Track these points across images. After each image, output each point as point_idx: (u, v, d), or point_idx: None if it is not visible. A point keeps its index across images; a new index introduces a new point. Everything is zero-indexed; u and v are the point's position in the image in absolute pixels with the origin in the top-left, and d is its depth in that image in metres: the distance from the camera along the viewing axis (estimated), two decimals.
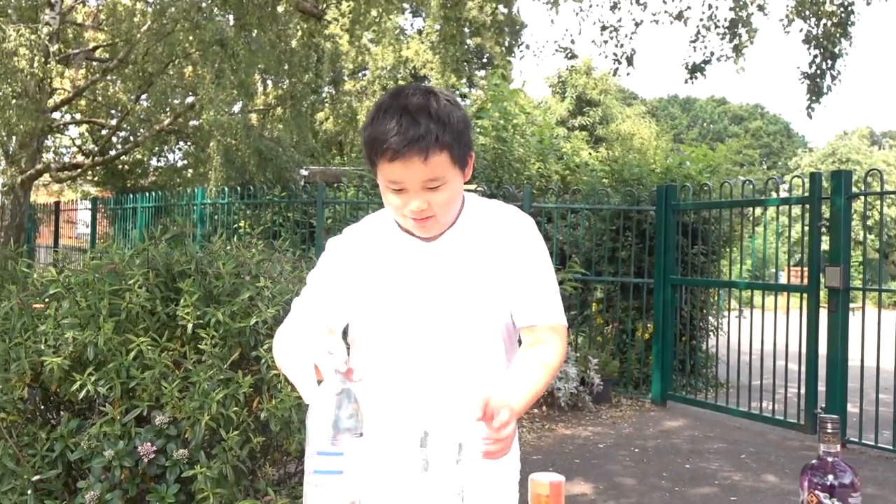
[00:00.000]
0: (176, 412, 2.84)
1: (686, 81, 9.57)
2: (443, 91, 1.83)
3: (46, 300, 3.19)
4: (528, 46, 26.28)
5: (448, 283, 1.85)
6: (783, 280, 10.62)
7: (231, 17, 10.98)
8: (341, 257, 1.94)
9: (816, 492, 1.59)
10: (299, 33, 12.44)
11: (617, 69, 10.15)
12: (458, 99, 1.89)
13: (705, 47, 9.44)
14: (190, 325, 2.99)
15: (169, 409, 2.84)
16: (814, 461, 1.64)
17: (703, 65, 9.44)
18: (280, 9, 11.42)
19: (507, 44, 24.41)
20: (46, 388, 3.08)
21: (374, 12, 11.33)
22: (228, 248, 3.68)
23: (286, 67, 12.90)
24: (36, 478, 2.86)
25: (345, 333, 2.00)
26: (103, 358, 2.92)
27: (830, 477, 1.60)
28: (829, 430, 1.63)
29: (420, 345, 1.87)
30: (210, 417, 2.79)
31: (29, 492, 2.83)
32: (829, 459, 1.61)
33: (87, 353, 2.87)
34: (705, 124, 65.58)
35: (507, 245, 1.87)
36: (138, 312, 3.04)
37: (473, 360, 1.88)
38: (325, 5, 11.92)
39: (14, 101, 9.57)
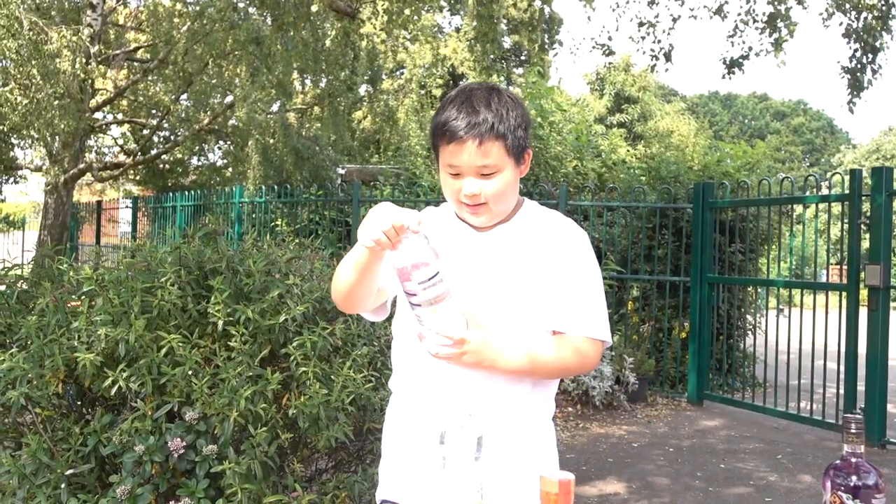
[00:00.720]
0: (206, 408, 2.87)
1: (724, 77, 9.47)
2: (507, 90, 1.96)
3: (81, 297, 3.24)
4: (561, 43, 26.16)
5: (492, 274, 1.89)
6: (831, 278, 10.46)
7: (268, 16, 11.06)
8: None
9: (839, 492, 1.58)
10: (333, 32, 12.50)
11: (655, 65, 10.07)
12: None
13: (743, 42, 9.33)
14: (220, 323, 3.03)
15: (199, 406, 2.87)
16: (837, 461, 1.62)
17: (741, 60, 9.32)
18: (314, 8, 11.49)
19: (540, 41, 24.29)
20: (81, 383, 3.13)
21: (407, 10, 11.34)
22: (261, 245, 3.71)
23: (323, 66, 12.97)
24: (69, 472, 2.91)
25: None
26: (135, 354, 2.97)
27: (854, 478, 1.58)
28: (853, 430, 1.61)
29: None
30: (238, 414, 2.82)
31: (63, 485, 2.88)
32: (853, 460, 1.59)
33: (118, 350, 2.92)
34: (746, 121, 64.80)
35: (557, 251, 1.93)
36: (170, 310, 3.08)
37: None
38: (358, 4, 11.95)
39: (56, 101, 9.72)
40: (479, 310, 1.88)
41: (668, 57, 9.74)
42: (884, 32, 8.40)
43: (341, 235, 10.57)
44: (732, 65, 9.37)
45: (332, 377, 3.07)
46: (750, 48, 9.32)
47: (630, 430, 7.26)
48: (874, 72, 8.56)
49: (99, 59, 11.51)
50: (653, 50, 9.79)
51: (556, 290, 1.91)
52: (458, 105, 1.84)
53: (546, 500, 1.52)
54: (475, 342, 1.77)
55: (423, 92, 23.91)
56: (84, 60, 10.24)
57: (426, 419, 1.89)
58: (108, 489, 2.87)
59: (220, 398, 2.85)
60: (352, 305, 1.97)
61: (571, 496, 1.51)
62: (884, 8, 8.25)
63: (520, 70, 27.36)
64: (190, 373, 2.93)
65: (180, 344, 2.96)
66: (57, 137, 11.75)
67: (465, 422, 1.59)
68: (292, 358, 3.03)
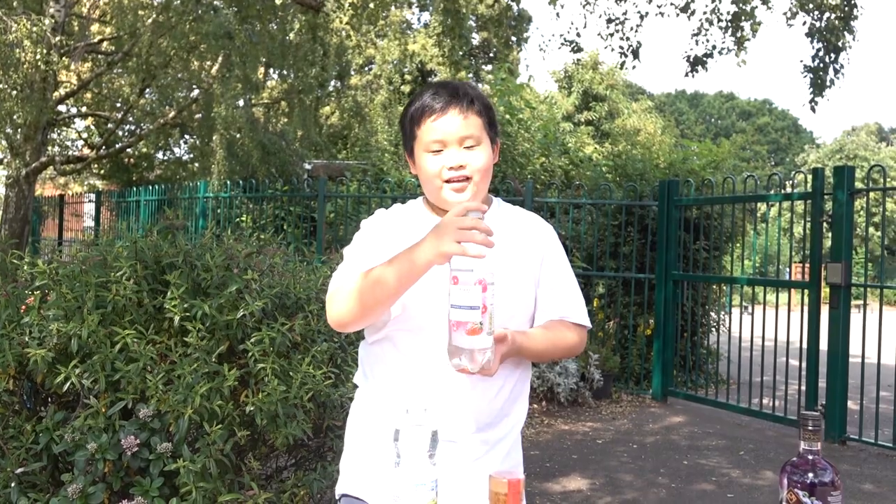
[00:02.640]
0: (160, 405, 2.81)
1: (686, 75, 9.49)
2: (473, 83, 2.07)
3: (34, 292, 3.16)
4: (527, 40, 26.24)
5: None
6: (790, 276, 10.57)
7: (233, 9, 10.94)
8: (378, 236, 1.97)
9: (796, 490, 1.56)
10: (297, 25, 12.41)
11: (623, 62, 10.07)
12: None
13: (707, 40, 9.37)
14: (177, 318, 2.97)
15: (153, 403, 2.81)
16: (794, 458, 1.61)
17: (704, 58, 9.36)
18: (278, 1, 11.39)
19: (506, 37, 24.32)
20: (33, 380, 3.06)
21: (371, 3, 11.27)
22: (221, 240, 3.65)
23: (291, 61, 12.86)
24: (20, 470, 2.83)
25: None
26: (88, 350, 2.90)
27: (811, 475, 1.56)
28: (810, 428, 1.60)
29: (431, 333, 1.87)
30: (194, 411, 2.76)
31: (13, 484, 2.81)
32: (810, 457, 1.58)
33: (71, 346, 2.85)
34: (713, 120, 65.40)
35: (534, 245, 1.98)
36: (125, 304, 3.02)
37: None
38: None
39: (15, 92, 9.54)
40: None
41: (635, 54, 9.75)
42: (846, 32, 8.46)
43: (307, 231, 10.50)
44: (696, 63, 9.41)
45: (291, 374, 3.02)
46: (714, 46, 9.36)
47: (594, 426, 7.27)
48: (836, 71, 8.63)
49: (62, 50, 11.31)
50: (621, 47, 9.80)
51: (544, 283, 1.97)
52: (434, 89, 1.92)
53: (495, 501, 1.49)
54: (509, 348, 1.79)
55: (391, 88, 23.83)
56: (46, 51, 10.06)
57: (384, 415, 1.88)
58: (59, 488, 2.80)
59: (175, 395, 2.79)
60: (367, 321, 1.89)
61: (521, 496, 1.49)
62: (846, 8, 8.32)
63: (488, 67, 27.35)
64: (145, 369, 2.87)
65: (135, 340, 2.90)
66: (18, 129, 11.55)
67: (421, 417, 1.56)
68: (250, 354, 2.97)
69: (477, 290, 1.67)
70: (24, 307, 3.14)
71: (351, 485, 1.97)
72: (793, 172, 8.47)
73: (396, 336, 1.93)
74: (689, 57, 9.46)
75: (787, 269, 11.35)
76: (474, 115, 1.88)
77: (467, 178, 1.88)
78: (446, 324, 1.75)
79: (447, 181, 1.88)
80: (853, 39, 8.49)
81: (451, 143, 1.87)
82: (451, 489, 1.82)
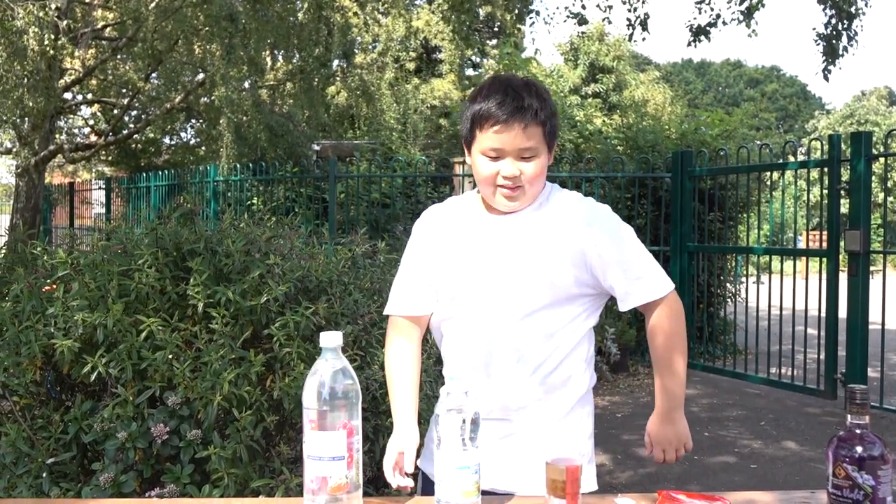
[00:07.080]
0: (188, 393, 2.81)
1: (689, 44, 9.31)
2: (538, 81, 2.03)
3: (56, 282, 3.15)
4: (538, 13, 25.98)
5: (519, 259, 1.92)
6: (801, 244, 10.52)
7: None
8: (425, 241, 2.08)
9: (844, 464, 1.54)
10: (306, 5, 12.32)
11: (632, 34, 9.90)
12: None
13: (711, 9, 9.16)
14: (200, 305, 2.95)
15: (181, 390, 2.81)
16: (841, 432, 1.59)
17: (707, 27, 9.17)
18: None
19: (517, 10, 24.11)
20: (59, 370, 3.06)
21: None
22: (239, 225, 3.63)
23: (296, 42, 12.78)
24: (51, 460, 2.84)
25: None
26: (114, 339, 2.89)
27: (859, 449, 1.54)
28: (858, 401, 1.57)
29: (482, 320, 1.95)
30: (222, 397, 2.76)
31: (44, 474, 2.81)
32: (858, 431, 1.56)
33: (97, 335, 2.84)
34: (720, 88, 64.94)
35: (589, 232, 1.93)
36: (148, 293, 3.01)
37: (532, 341, 1.92)
38: None
39: (25, 80, 9.51)
40: (509, 294, 1.91)
41: (644, 25, 9.56)
42: None
43: (318, 212, 10.47)
44: (699, 32, 9.22)
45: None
46: (718, 15, 9.15)
47: (613, 400, 7.27)
48: (850, 38, 8.47)
49: (68, 36, 11.24)
50: (628, 19, 9.62)
51: (611, 271, 1.92)
52: (500, 91, 1.89)
53: (553, 488, 1.47)
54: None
55: (397, 66, 23.68)
56: (52, 37, 10.01)
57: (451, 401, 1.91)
58: (90, 477, 2.81)
59: (203, 382, 2.78)
60: None
61: (579, 483, 1.47)
62: None
63: (493, 42, 27.14)
64: (171, 357, 2.86)
65: (160, 327, 2.89)
66: (26, 119, 11.53)
67: (461, 401, 1.56)
68: (275, 339, 2.97)
69: (342, 436, 1.51)
70: (42, 293, 3.13)
71: (422, 460, 2.10)
72: (804, 140, 8.38)
73: (442, 325, 2.07)
74: (691, 26, 9.26)
75: (800, 238, 11.32)
76: (535, 126, 1.88)
77: (520, 187, 1.91)
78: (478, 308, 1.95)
79: (500, 186, 1.91)
80: (866, 5, 8.34)
81: (509, 156, 1.89)
82: (489, 469, 1.83)
